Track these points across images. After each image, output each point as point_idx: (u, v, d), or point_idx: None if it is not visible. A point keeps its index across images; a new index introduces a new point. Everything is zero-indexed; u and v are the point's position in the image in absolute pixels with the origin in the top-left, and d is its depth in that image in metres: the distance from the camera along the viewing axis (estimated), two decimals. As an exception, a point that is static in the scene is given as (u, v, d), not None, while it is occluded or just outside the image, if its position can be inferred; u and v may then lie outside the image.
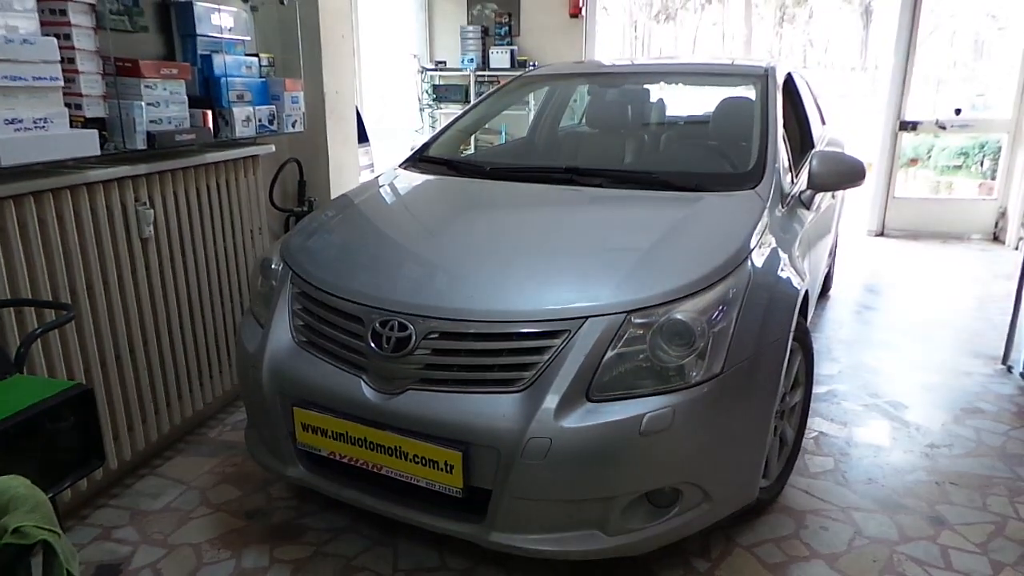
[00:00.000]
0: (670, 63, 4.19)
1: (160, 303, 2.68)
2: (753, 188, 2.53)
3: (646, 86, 3.62)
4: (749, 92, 3.21)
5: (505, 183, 2.81)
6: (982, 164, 8.66)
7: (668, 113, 3.67)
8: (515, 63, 6.83)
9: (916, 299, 4.92)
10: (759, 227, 2.29)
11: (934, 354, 3.96)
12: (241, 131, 2.96)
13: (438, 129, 4.91)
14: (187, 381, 2.87)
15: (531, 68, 6.87)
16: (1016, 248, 6.26)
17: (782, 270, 2.30)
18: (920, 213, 6.86)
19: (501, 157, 3.71)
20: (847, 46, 42.62)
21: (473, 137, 4.37)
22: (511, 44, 6.91)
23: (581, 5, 6.70)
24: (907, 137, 6.74)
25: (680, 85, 3.63)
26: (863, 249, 6.36)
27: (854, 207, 9.03)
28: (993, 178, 7.19)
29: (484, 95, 3.54)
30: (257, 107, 3.05)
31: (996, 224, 6.66)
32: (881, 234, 6.85)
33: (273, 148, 3.23)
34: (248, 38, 3.11)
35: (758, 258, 2.17)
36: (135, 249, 2.53)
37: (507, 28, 6.92)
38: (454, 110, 6.63)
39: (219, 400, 3.10)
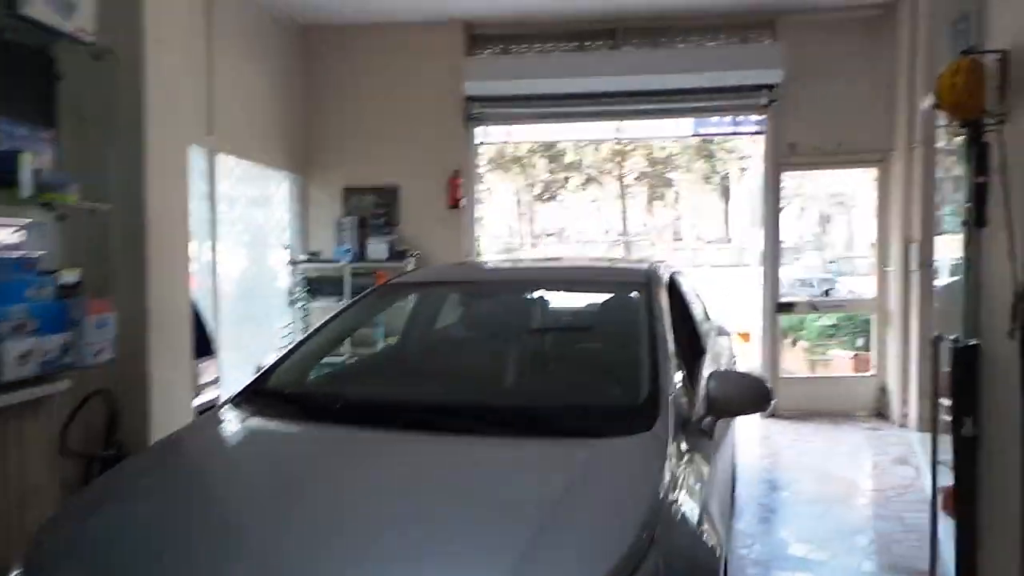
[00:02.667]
0: (547, 267, 3.93)
1: None
2: (649, 429, 2.13)
3: (523, 295, 3.31)
4: (631, 300, 2.95)
5: (355, 432, 2.26)
6: (854, 336, 9.05)
7: (551, 309, 3.33)
8: (393, 253, 6.57)
9: (823, 498, 4.62)
10: (664, 486, 1.86)
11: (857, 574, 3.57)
12: (16, 372, 2.33)
13: (296, 339, 4.37)
14: None
15: (411, 256, 6.67)
16: (901, 425, 6.26)
17: (697, 537, 1.86)
18: (807, 392, 6.85)
19: (358, 383, 3.13)
20: (711, 221, 46.59)
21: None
22: (389, 234, 6.69)
23: (460, 196, 6.64)
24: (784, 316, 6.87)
25: (559, 291, 3.35)
26: (758, 434, 6.16)
27: None
28: (866, 350, 7.39)
29: (338, 311, 3.07)
30: (45, 337, 2.45)
31: (878, 401, 6.71)
32: (772, 415, 6.72)
33: (67, 384, 2.58)
34: (41, 253, 2.57)
35: (668, 532, 1.72)
36: None
37: (384, 219, 6.72)
38: (328, 304, 6.18)
39: None
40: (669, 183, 34.78)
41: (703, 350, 3.38)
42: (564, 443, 2.10)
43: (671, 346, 2.56)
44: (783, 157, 6.63)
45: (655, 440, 2.08)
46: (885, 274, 6.60)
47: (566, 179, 35.57)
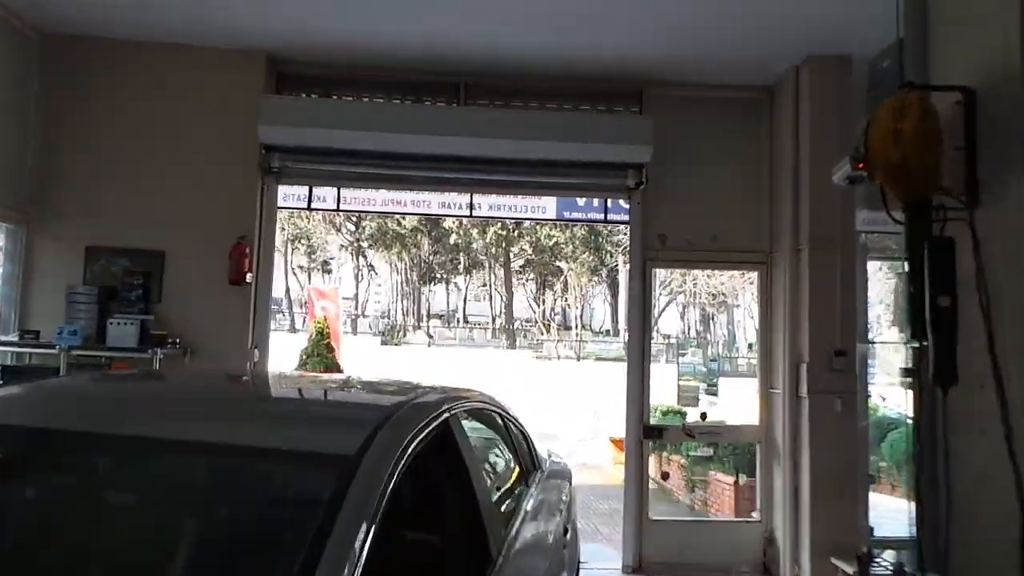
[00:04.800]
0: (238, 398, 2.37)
1: None
2: None
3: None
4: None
5: None
6: (732, 460, 7.95)
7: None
8: (146, 339, 4.83)
9: None
10: None
11: None
12: None
13: None
14: None
15: (171, 345, 4.94)
16: (791, 587, 5.02)
17: None
18: (680, 540, 5.50)
19: None
20: (599, 312, 46.83)
21: None
22: (145, 313, 4.96)
23: (246, 270, 5.05)
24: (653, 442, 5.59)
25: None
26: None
27: (600, 530, 7.86)
28: (750, 475, 6.25)
29: None
30: None
31: (764, 553, 5.45)
32: (638, 570, 5.32)
33: None
34: None
35: None
36: None
37: (141, 292, 5.00)
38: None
39: None
40: (558, 272, 34.44)
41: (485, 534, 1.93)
42: None
43: None
44: (652, 250, 5.52)
45: None
46: (770, 397, 5.49)
47: (451, 261, 34.52)
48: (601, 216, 7.20)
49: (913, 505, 2.25)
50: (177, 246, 5.10)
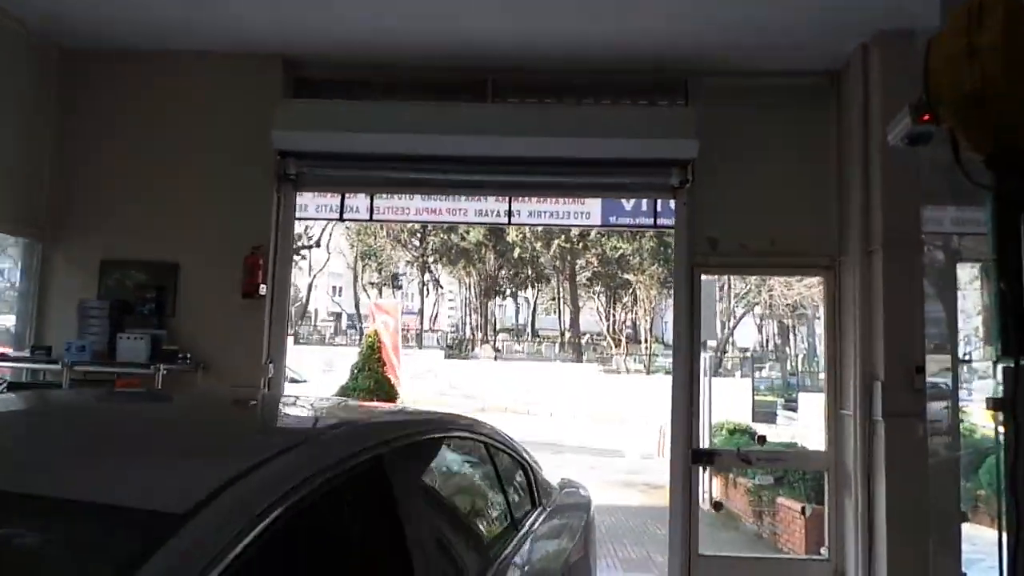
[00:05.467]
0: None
1: None
2: None
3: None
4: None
5: None
6: (803, 485, 7.19)
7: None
8: (157, 354, 4.63)
9: None
10: None
11: None
12: None
13: None
14: None
15: (181, 360, 4.73)
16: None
17: None
18: (735, 580, 4.88)
19: None
20: (670, 324, 45.31)
21: None
22: (158, 327, 4.77)
23: (259, 282, 4.79)
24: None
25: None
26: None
27: (653, 558, 7.20)
28: (819, 502, 5.55)
29: None
30: None
31: (834, 598, 4.76)
32: (686, 615, 4.72)
33: None
34: None
35: None
36: None
37: (154, 306, 4.82)
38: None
39: None
40: (626, 284, 33.53)
41: None
42: None
43: None
44: (700, 255, 4.96)
45: None
46: (840, 419, 4.81)
47: (517, 275, 34.18)
48: (650, 220, 6.67)
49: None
50: (192, 258, 4.90)
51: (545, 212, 6.60)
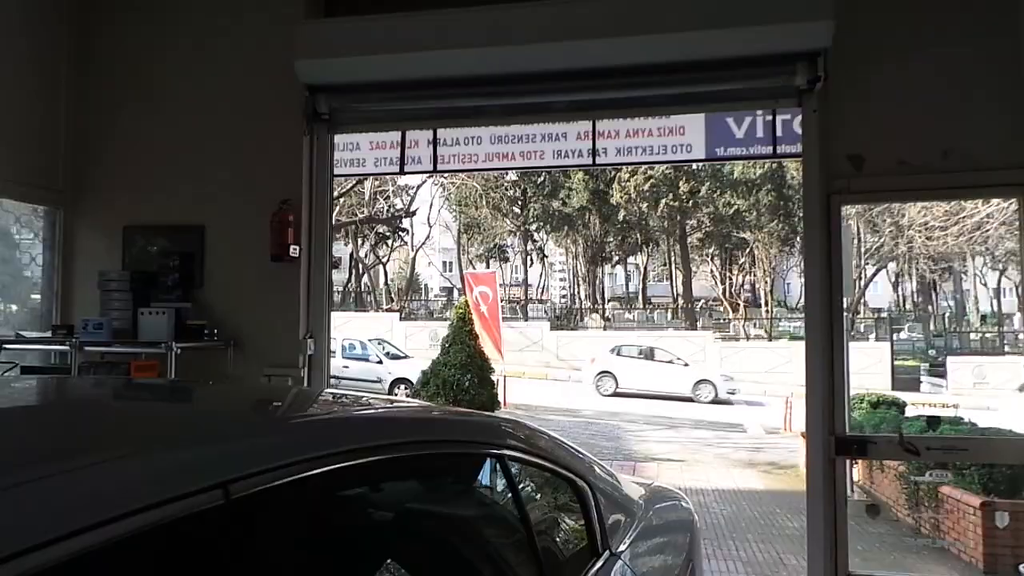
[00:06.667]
0: None
1: None
2: None
3: None
4: None
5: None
6: (976, 472, 5.76)
7: None
8: (183, 331, 4.02)
9: None
10: None
11: None
12: None
13: None
14: None
15: (207, 337, 4.10)
16: None
17: None
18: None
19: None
20: (796, 285, 42.65)
21: None
22: (184, 300, 4.16)
23: (289, 242, 4.05)
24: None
25: None
26: None
27: (784, 560, 5.98)
28: (1011, 495, 4.26)
29: None
30: None
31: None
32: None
33: None
34: None
35: None
36: None
37: (178, 276, 4.20)
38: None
39: None
40: (743, 244, 31.28)
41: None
42: None
43: None
44: (839, 179, 3.73)
45: None
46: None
47: (624, 240, 32.60)
48: (768, 148, 5.45)
49: None
50: (217, 220, 4.25)
51: (637, 148, 5.52)
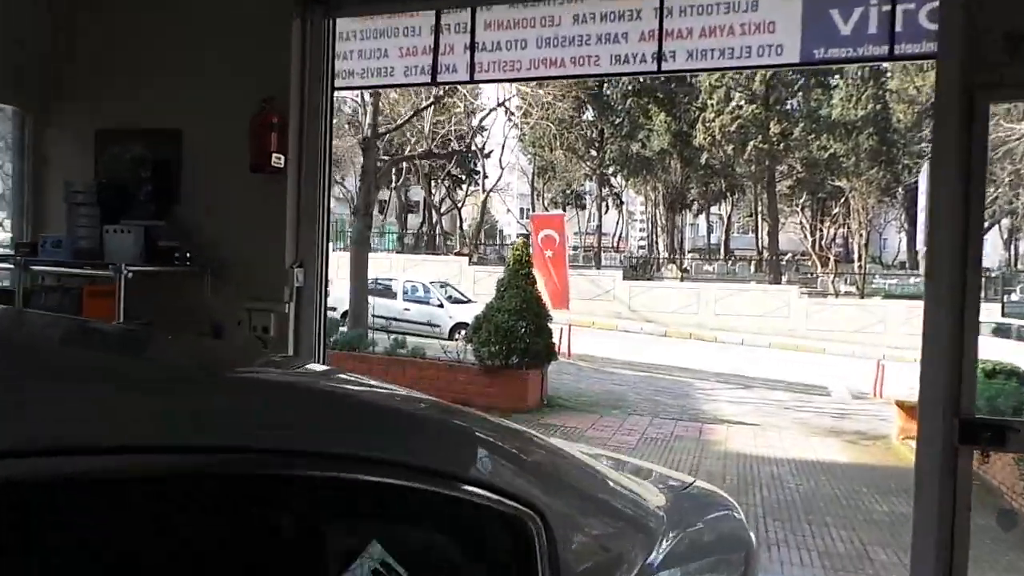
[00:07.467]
0: None
1: None
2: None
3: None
4: None
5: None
6: None
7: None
8: (154, 253, 3.42)
9: None
10: None
11: None
12: None
13: None
14: None
15: (178, 261, 3.49)
16: None
17: None
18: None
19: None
20: (893, 241, 39.68)
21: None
22: (156, 217, 3.55)
23: (272, 150, 3.35)
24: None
25: None
26: None
27: (870, 554, 5.02)
28: None
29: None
30: None
31: None
32: None
33: None
34: None
35: None
36: None
37: (151, 190, 3.59)
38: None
39: None
40: (838, 193, 28.94)
41: None
42: None
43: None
44: (988, 68, 2.68)
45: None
46: None
47: (705, 187, 30.72)
48: (883, 49, 4.32)
49: None
50: (194, 124, 3.59)
51: (713, 50, 4.49)
